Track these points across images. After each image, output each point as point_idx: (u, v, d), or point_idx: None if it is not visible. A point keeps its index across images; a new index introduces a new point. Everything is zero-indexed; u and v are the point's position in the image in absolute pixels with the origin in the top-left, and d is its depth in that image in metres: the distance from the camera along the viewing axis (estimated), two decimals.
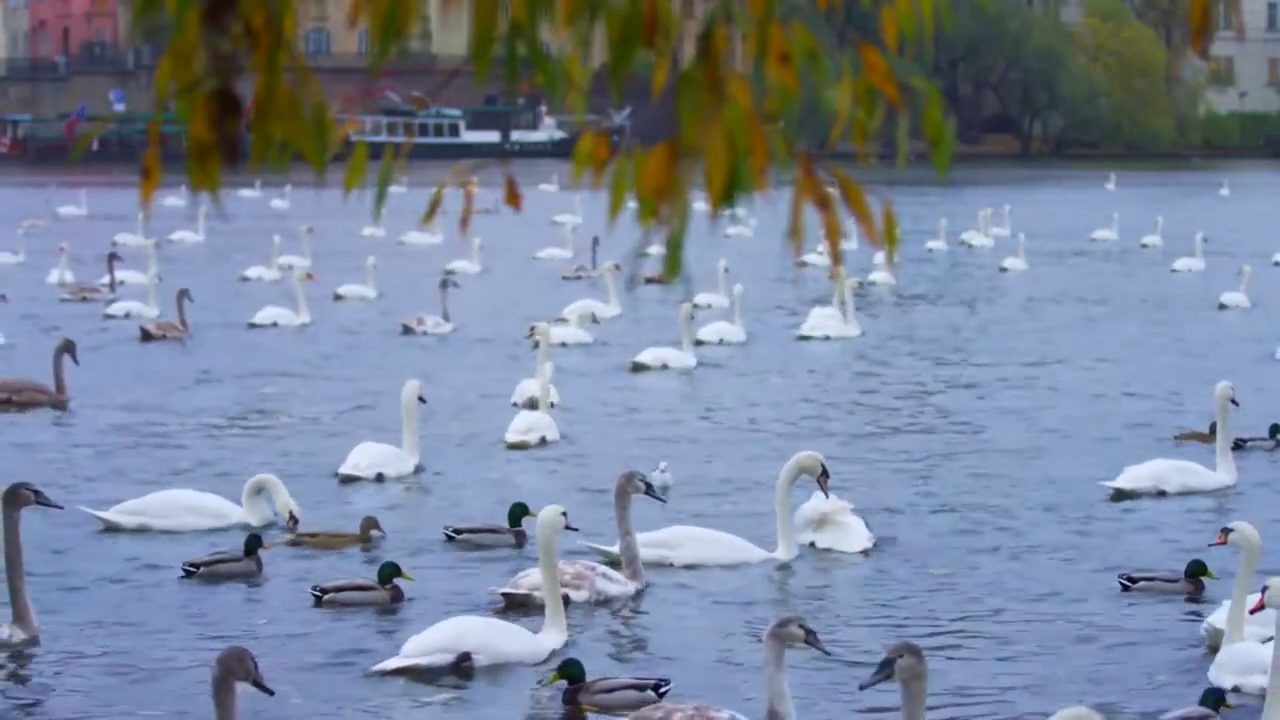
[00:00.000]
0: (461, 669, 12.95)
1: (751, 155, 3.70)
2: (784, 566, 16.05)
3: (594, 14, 3.72)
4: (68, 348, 24.57)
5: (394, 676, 12.88)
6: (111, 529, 17.12)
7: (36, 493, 13.86)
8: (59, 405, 24.34)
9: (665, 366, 28.39)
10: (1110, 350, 31.07)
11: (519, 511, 16.57)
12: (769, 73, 3.77)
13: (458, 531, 16.59)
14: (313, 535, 16.57)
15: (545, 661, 13.10)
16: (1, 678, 13.09)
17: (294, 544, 16.45)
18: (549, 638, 13.35)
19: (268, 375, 28.01)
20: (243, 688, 10.37)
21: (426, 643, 13.03)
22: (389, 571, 14.57)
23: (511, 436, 21.74)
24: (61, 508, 15.21)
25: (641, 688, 12.08)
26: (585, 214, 58.36)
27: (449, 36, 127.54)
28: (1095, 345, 31.74)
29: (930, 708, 11.91)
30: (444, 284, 34.14)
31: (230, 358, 29.96)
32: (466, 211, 4.19)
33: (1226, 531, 13.39)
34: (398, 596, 14.51)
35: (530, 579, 14.54)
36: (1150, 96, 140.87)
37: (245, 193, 75.72)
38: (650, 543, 15.87)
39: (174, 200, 64.91)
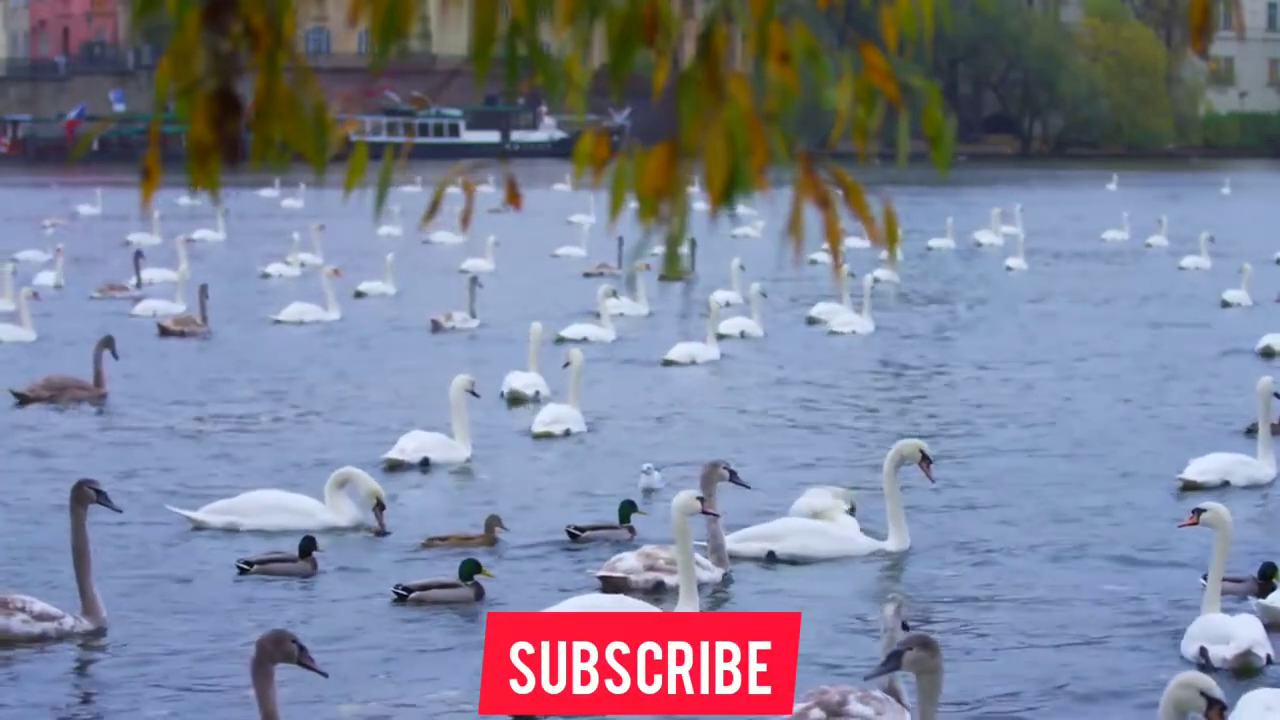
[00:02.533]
0: None
1: (751, 155, 3.70)
2: (896, 555, 16.04)
3: (594, 14, 3.72)
4: (108, 343, 25.21)
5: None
6: (199, 528, 17.16)
7: (99, 492, 13.91)
8: (98, 399, 24.88)
9: (694, 362, 28.87)
10: (1124, 347, 31.41)
11: (628, 510, 16.77)
12: (769, 72, 3.77)
13: (580, 529, 16.66)
14: (444, 538, 16.60)
15: None
16: (67, 666, 13.17)
17: (427, 546, 16.45)
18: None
19: (304, 370, 28.31)
20: (298, 671, 10.48)
21: None
22: (470, 569, 14.61)
23: (538, 427, 22.15)
24: (120, 510, 15.06)
25: None
26: (600, 214, 58.79)
27: (449, 36, 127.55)
28: (1108, 342, 32.05)
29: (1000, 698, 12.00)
30: (473, 281, 34.74)
31: (261, 353, 30.31)
32: (467, 211, 4.20)
33: (1198, 512, 13.73)
34: (480, 594, 14.55)
35: (626, 563, 14.91)
36: (1150, 96, 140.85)
37: (265, 192, 75.97)
38: (755, 535, 16.08)
39: (188, 200, 65.11)
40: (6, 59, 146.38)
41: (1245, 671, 12.65)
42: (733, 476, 15.53)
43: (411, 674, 12.83)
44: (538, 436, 22.00)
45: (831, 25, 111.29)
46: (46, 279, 41.14)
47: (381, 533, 16.89)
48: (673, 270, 3.86)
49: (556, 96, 3.83)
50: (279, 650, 10.28)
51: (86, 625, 13.67)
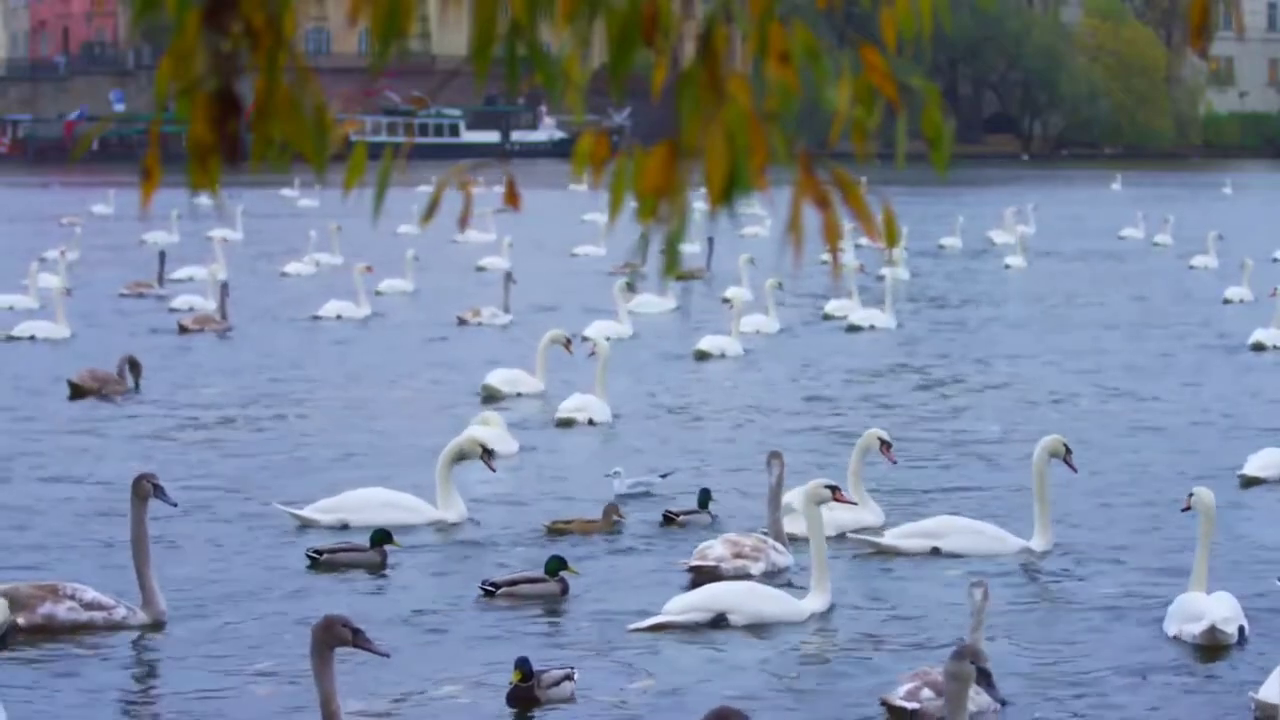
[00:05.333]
0: (719, 627, 13.62)
1: (751, 155, 3.70)
2: (1038, 556, 16.12)
3: (594, 13, 3.72)
4: (134, 367, 25.69)
5: (651, 634, 13.46)
6: (306, 525, 17.14)
7: (157, 487, 13.89)
8: (127, 393, 25.38)
9: (724, 355, 29.27)
10: (1138, 344, 31.69)
11: (705, 497, 17.24)
12: (769, 72, 3.78)
13: (674, 515, 17.08)
14: (567, 522, 16.92)
15: (804, 623, 13.81)
16: (122, 657, 13.12)
17: (551, 532, 16.71)
18: (813, 601, 14.08)
19: (344, 366, 28.60)
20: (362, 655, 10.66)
21: (686, 602, 13.76)
22: (556, 565, 14.74)
23: (561, 414, 22.63)
24: (176, 504, 14.95)
25: (570, 677, 12.27)
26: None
27: (449, 36, 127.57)
28: (1124, 339, 32.35)
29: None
30: (507, 278, 35.61)
31: (294, 350, 30.64)
32: (465, 212, 4.20)
33: (1190, 497, 14.28)
34: (565, 589, 14.68)
35: (715, 552, 15.26)
36: (1150, 96, 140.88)
37: (285, 191, 76.26)
38: (917, 532, 16.37)
39: (200, 200, 65.33)
40: (6, 59, 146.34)
41: (1214, 647, 13.04)
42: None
43: (482, 664, 12.81)
44: (560, 424, 22.33)
45: (831, 25, 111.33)
46: (50, 280, 41.18)
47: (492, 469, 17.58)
48: (671, 270, 3.86)
49: (556, 96, 3.83)
50: (331, 635, 10.27)
51: (143, 617, 13.63)
